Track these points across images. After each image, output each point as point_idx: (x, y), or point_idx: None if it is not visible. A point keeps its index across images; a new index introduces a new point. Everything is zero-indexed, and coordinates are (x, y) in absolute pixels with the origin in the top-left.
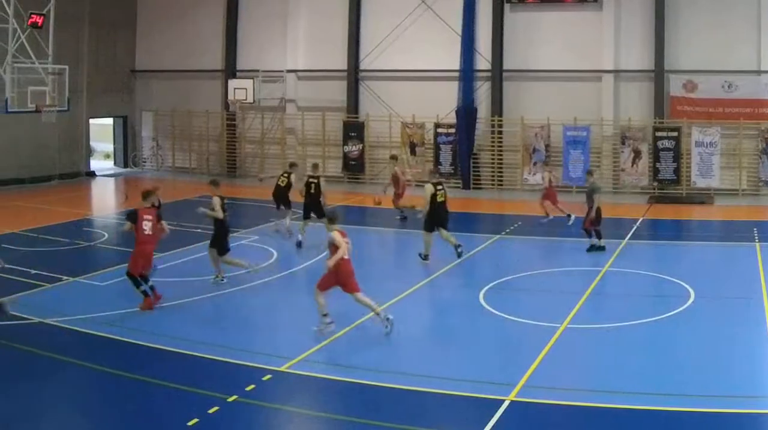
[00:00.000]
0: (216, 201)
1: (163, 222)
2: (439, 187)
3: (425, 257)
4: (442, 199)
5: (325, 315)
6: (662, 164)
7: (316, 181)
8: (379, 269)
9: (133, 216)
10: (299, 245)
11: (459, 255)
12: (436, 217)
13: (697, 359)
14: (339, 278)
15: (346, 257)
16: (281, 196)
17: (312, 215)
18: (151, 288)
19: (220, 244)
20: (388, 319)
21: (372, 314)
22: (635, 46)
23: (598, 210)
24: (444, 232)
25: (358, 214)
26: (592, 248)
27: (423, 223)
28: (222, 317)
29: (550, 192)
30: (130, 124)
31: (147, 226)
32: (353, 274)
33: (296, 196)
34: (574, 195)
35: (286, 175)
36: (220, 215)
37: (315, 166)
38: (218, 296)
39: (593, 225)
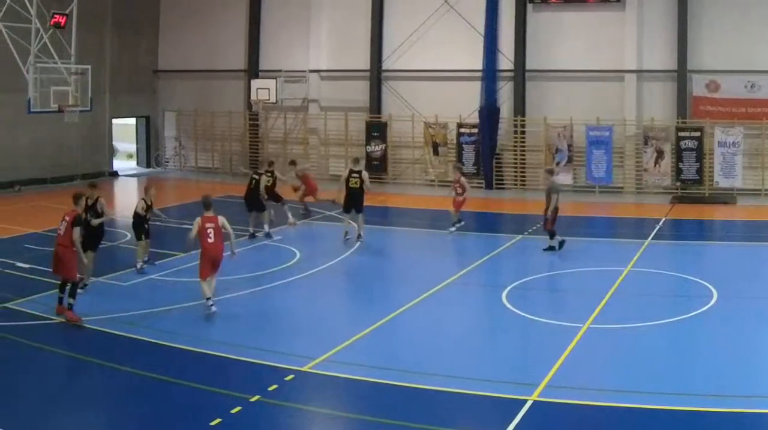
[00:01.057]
0: (103, 203)
1: (77, 229)
2: (354, 174)
3: (346, 234)
4: (356, 185)
5: (208, 299)
6: (685, 164)
7: (257, 177)
8: (401, 268)
9: None
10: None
11: (345, 241)
12: (349, 200)
13: (720, 359)
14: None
15: (209, 240)
16: (251, 198)
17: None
18: (60, 300)
19: (96, 244)
20: (211, 308)
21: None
22: (658, 46)
23: (555, 210)
24: (358, 215)
25: (381, 214)
26: (550, 248)
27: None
28: (245, 317)
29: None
30: (153, 124)
31: (61, 226)
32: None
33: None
34: (597, 195)
35: (257, 175)
36: (110, 215)
37: (270, 163)
38: (241, 296)
39: (553, 225)
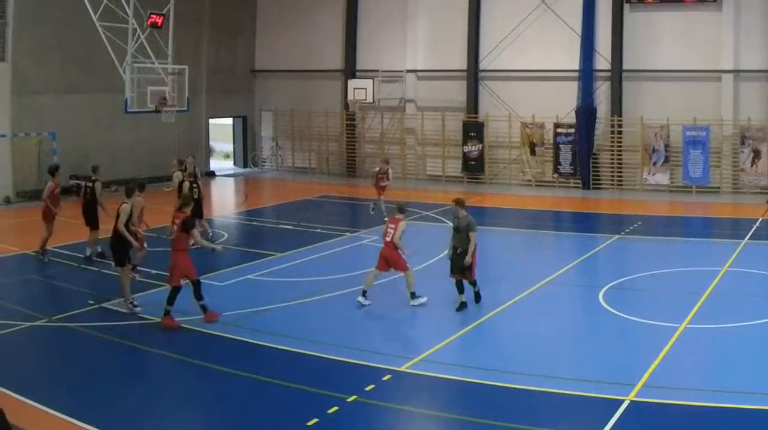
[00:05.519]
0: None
1: (194, 231)
2: (185, 171)
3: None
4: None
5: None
6: None
7: (91, 185)
8: (498, 269)
9: None
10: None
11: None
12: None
13: None
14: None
15: (386, 239)
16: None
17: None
18: (204, 308)
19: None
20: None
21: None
22: (754, 46)
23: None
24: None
25: (478, 214)
26: (476, 297)
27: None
28: (341, 317)
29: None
30: (250, 124)
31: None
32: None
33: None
34: (694, 195)
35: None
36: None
37: (95, 169)
38: (338, 296)
39: (468, 273)
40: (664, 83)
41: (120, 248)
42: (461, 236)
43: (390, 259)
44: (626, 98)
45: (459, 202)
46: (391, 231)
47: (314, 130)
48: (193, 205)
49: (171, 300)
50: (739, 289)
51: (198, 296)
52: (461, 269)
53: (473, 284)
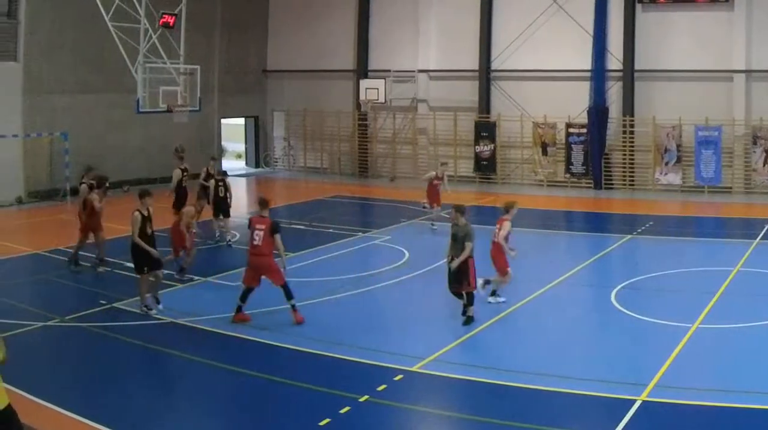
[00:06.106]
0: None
1: (277, 236)
2: (185, 171)
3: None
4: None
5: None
6: None
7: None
8: (512, 268)
9: None
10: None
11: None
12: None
13: None
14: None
15: (494, 239)
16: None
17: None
18: (239, 309)
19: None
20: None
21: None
22: (767, 46)
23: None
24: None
25: (490, 214)
26: (470, 319)
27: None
28: (354, 317)
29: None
30: (262, 124)
31: (255, 236)
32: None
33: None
34: (706, 195)
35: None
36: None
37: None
38: (350, 297)
39: (467, 284)
40: (676, 83)
41: (137, 257)
42: (458, 246)
43: (493, 258)
44: (638, 98)
45: (459, 210)
46: (497, 231)
47: (326, 130)
48: (220, 204)
49: (290, 295)
50: (751, 289)
51: (244, 298)
52: (458, 280)
53: (470, 301)
